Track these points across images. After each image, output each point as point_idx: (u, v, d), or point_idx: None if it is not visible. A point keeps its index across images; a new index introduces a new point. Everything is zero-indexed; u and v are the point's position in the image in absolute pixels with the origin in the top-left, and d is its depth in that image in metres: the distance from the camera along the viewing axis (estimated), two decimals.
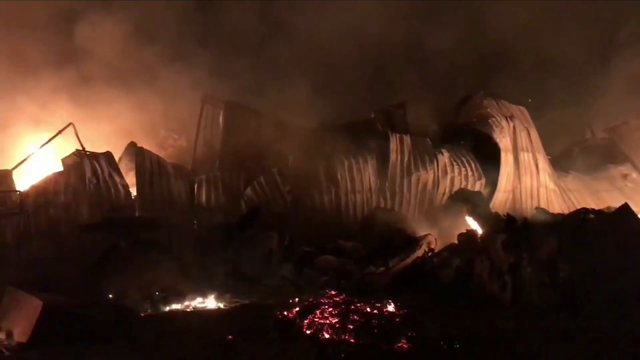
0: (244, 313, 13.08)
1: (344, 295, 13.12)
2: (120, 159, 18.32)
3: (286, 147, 18.93)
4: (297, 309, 12.24)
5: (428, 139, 20.28)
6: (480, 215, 17.69)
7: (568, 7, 25.14)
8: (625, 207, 16.51)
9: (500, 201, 19.91)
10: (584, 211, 17.18)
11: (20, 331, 11.29)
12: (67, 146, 17.64)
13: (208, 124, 20.28)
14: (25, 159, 17.20)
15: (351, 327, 11.32)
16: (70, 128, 17.87)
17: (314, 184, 18.58)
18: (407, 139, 19.58)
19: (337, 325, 11.39)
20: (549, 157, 22.10)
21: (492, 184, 20.05)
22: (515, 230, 16.01)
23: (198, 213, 17.87)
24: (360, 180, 18.92)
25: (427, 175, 19.44)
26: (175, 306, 13.71)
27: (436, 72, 25.48)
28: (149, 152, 17.96)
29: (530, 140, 21.00)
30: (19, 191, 16.23)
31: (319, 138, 19.32)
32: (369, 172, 19.03)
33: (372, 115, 20.98)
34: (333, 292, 13.37)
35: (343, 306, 12.25)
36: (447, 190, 19.63)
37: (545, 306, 13.53)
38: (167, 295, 13.99)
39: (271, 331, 11.57)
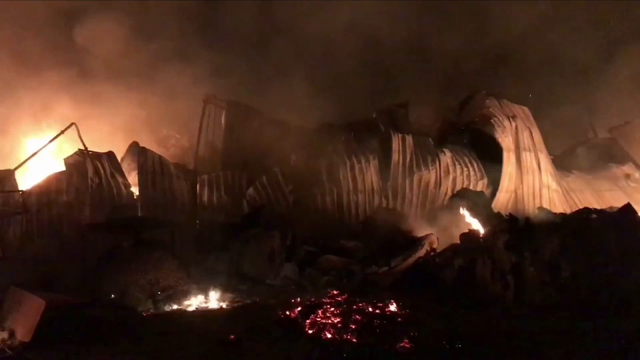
0: (246, 313, 13.08)
1: (346, 295, 13.13)
2: (122, 159, 18.32)
3: (288, 147, 18.94)
4: (299, 308, 12.25)
5: (430, 139, 20.28)
6: (483, 215, 17.67)
7: (571, 7, 25.11)
8: (627, 207, 16.48)
9: (502, 201, 19.91)
10: (587, 211, 17.14)
11: (23, 330, 11.31)
12: (69, 146, 17.65)
13: (210, 124, 20.30)
14: (27, 159, 17.21)
15: (353, 326, 11.32)
16: (73, 128, 17.86)
17: (316, 183, 18.59)
18: (409, 139, 19.59)
19: (339, 325, 11.39)
20: (551, 157, 22.09)
21: (494, 184, 20.05)
22: (517, 230, 15.97)
23: (200, 213, 17.90)
24: (362, 180, 18.93)
25: (429, 175, 19.44)
26: (178, 306, 13.72)
27: (439, 72, 25.48)
28: (151, 151, 17.98)
29: (533, 140, 20.99)
30: (21, 191, 16.23)
31: (321, 138, 19.34)
32: (371, 172, 19.03)
33: (374, 115, 21.01)
34: (335, 292, 13.38)
35: (345, 306, 12.25)
36: (449, 190, 19.63)
37: (548, 306, 13.50)
38: (169, 294, 14.01)
39: (273, 331, 11.57)
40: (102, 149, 17.56)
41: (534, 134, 21.12)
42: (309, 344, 10.86)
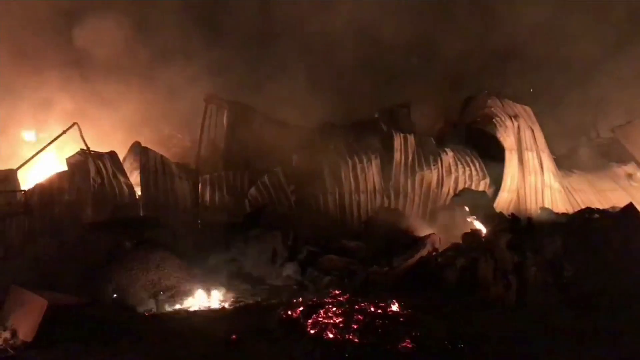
0: (248, 313, 13.09)
1: (348, 295, 13.09)
2: (124, 159, 18.33)
3: (290, 146, 18.93)
4: (301, 308, 12.23)
5: (432, 139, 20.26)
6: (484, 215, 17.65)
7: (575, 6, 25.05)
8: (630, 207, 16.48)
9: (504, 201, 19.89)
10: (589, 211, 17.14)
11: (25, 330, 11.32)
12: (71, 146, 17.66)
13: (212, 123, 20.28)
14: (29, 159, 17.22)
15: (355, 326, 11.30)
16: (75, 127, 17.88)
17: (318, 183, 18.58)
18: (411, 139, 19.58)
19: (341, 325, 11.37)
20: (554, 156, 22.06)
21: (497, 184, 20.03)
22: (519, 229, 15.97)
23: (202, 213, 17.90)
24: (364, 179, 18.92)
25: (431, 175, 19.43)
26: (179, 306, 13.72)
27: (441, 72, 25.43)
28: (153, 151, 17.98)
29: (535, 140, 20.97)
30: (23, 191, 16.25)
31: (322, 138, 19.33)
32: (372, 172, 19.02)
33: (376, 115, 20.99)
34: (337, 292, 13.35)
35: (347, 306, 12.22)
36: (451, 189, 19.61)
37: (550, 306, 13.49)
38: (171, 294, 14.01)
39: (275, 331, 11.57)
40: (104, 148, 17.57)
41: (536, 134, 21.10)
42: (311, 343, 10.86)
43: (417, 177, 19.31)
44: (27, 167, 17.34)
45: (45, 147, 17.53)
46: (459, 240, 16.59)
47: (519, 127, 20.62)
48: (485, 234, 16.60)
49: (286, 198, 18.41)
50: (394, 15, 24.51)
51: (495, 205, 19.23)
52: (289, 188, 18.46)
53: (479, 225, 17.40)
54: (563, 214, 19.05)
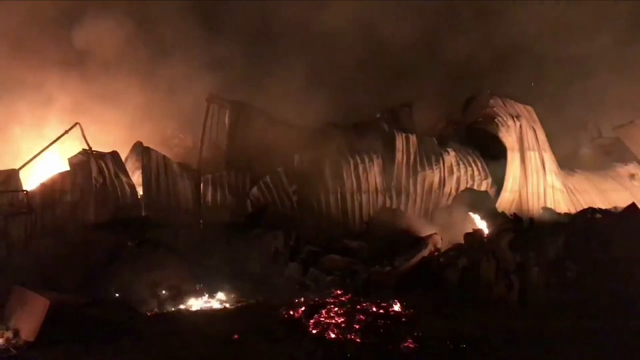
0: (249, 312, 13.10)
1: (350, 295, 13.13)
2: (126, 159, 18.33)
3: (292, 146, 18.91)
4: (303, 308, 12.26)
5: (434, 138, 20.24)
6: (486, 215, 17.65)
7: (577, 6, 25.01)
8: (632, 207, 16.47)
9: (506, 201, 19.86)
10: (591, 211, 17.13)
11: (27, 330, 11.34)
12: (73, 146, 17.66)
13: (214, 123, 20.24)
14: (32, 159, 17.22)
15: (357, 326, 11.32)
16: (77, 127, 17.88)
17: (319, 183, 18.57)
18: (413, 138, 19.56)
19: (343, 325, 11.39)
20: (556, 156, 22.00)
21: (499, 184, 20.00)
22: (521, 229, 15.97)
23: (204, 212, 17.88)
24: (366, 179, 18.90)
25: (433, 175, 19.40)
26: (181, 305, 13.73)
27: (443, 72, 25.39)
28: (155, 151, 17.98)
29: (537, 140, 20.93)
30: (26, 191, 16.25)
31: (324, 137, 19.31)
32: (374, 172, 19.01)
33: (378, 115, 20.96)
34: (339, 292, 13.38)
35: (349, 306, 12.25)
36: (453, 189, 19.59)
37: (552, 306, 13.48)
38: (173, 294, 14.03)
39: (277, 330, 11.58)
40: (106, 148, 17.57)
41: (538, 134, 21.06)
42: (313, 343, 10.87)
43: (419, 177, 19.29)
44: (29, 167, 17.34)
45: (47, 147, 17.52)
46: (461, 240, 16.59)
47: (521, 127, 20.60)
48: (487, 234, 16.59)
49: (288, 198, 18.41)
50: (396, 15, 24.49)
51: (497, 205, 19.22)
52: (291, 188, 18.45)
53: (481, 225, 17.40)
54: (565, 214, 19.04)
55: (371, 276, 15.35)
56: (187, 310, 13.53)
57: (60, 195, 16.31)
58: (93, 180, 16.54)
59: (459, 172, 19.69)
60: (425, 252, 16.02)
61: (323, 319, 11.68)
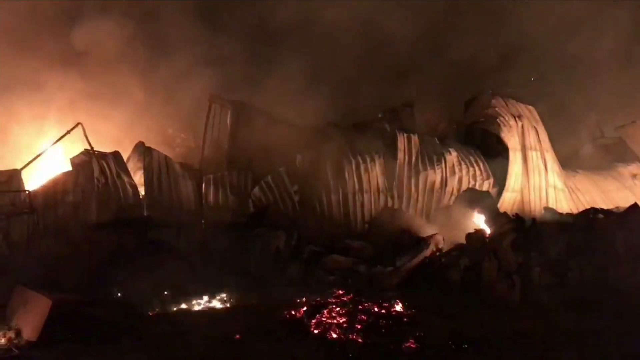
0: (251, 312, 13.09)
1: (351, 295, 13.12)
2: (128, 159, 18.35)
3: (293, 146, 18.90)
4: (305, 308, 12.26)
5: (436, 138, 20.22)
6: (488, 215, 17.63)
7: (580, 7, 24.97)
8: (634, 207, 16.46)
9: (508, 201, 19.83)
10: (593, 211, 17.14)
11: (29, 329, 11.36)
12: (75, 146, 17.68)
13: (216, 123, 20.24)
14: (34, 159, 17.25)
15: (359, 326, 11.33)
16: (79, 128, 17.90)
17: (321, 183, 18.56)
18: (414, 138, 19.54)
19: (344, 325, 11.39)
20: (558, 156, 21.98)
21: (501, 184, 19.97)
22: (523, 230, 15.96)
23: (206, 212, 17.89)
24: (367, 179, 18.89)
25: (435, 175, 19.38)
26: (183, 305, 13.74)
27: (445, 72, 25.36)
28: (157, 151, 17.99)
29: (539, 139, 20.90)
30: (28, 191, 16.28)
31: (326, 137, 19.30)
32: (376, 172, 18.99)
33: (380, 115, 20.95)
34: (341, 292, 13.38)
35: (351, 306, 12.25)
36: (455, 189, 19.56)
37: (554, 306, 13.47)
38: (175, 294, 14.04)
39: (279, 330, 11.57)
40: (108, 149, 17.59)
41: (540, 133, 21.03)
42: (315, 343, 10.88)
43: (421, 177, 19.27)
44: (31, 168, 17.36)
45: (49, 147, 17.54)
46: (463, 241, 16.59)
47: (522, 127, 20.58)
48: (489, 234, 16.58)
49: (290, 198, 18.41)
50: (398, 14, 24.45)
51: (499, 205, 19.19)
52: (293, 188, 18.45)
53: (482, 225, 17.39)
54: (567, 214, 19.01)
55: (373, 276, 15.35)
56: (188, 310, 13.53)
57: (62, 195, 16.34)
58: (95, 180, 16.56)
59: (460, 172, 19.67)
60: (427, 252, 16.01)
61: (325, 319, 11.68)
